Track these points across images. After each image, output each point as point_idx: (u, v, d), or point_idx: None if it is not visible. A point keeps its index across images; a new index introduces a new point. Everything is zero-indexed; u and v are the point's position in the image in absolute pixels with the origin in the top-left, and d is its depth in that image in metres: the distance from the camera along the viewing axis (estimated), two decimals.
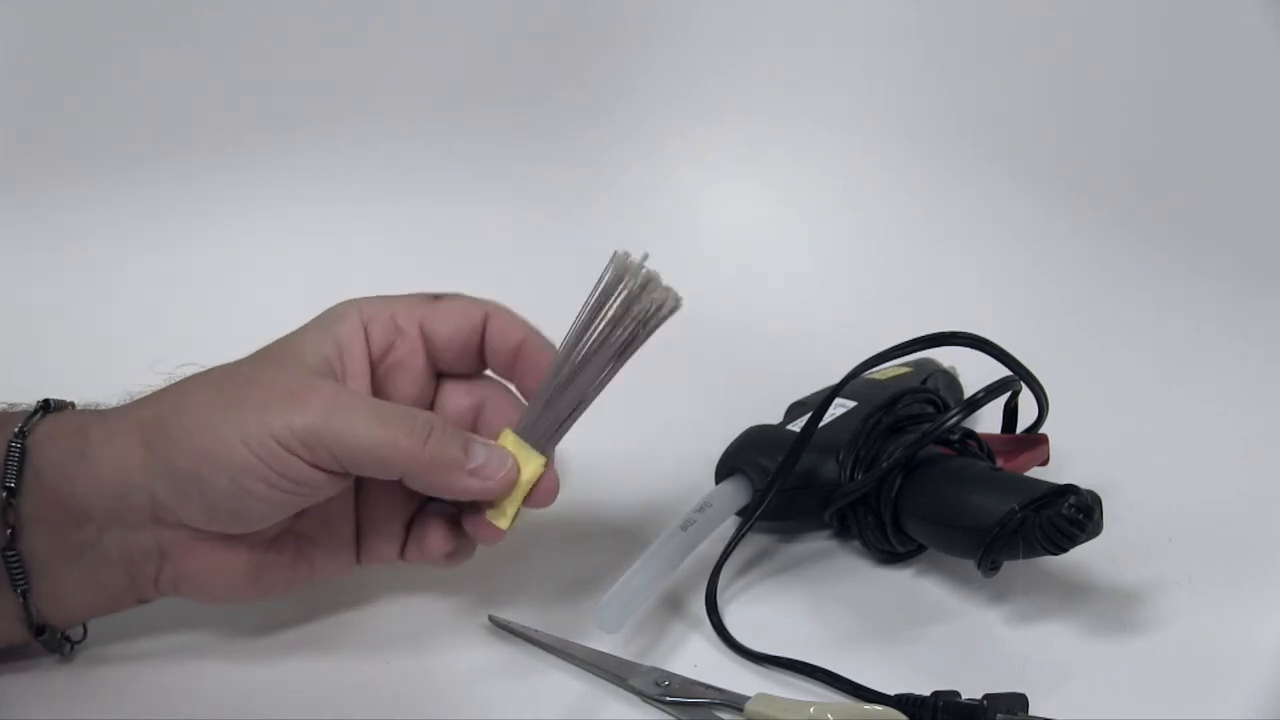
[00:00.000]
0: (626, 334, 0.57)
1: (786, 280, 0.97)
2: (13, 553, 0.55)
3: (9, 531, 0.54)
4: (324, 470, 0.55)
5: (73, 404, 0.58)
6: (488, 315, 0.60)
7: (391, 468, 0.55)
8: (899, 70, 1.02)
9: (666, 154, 1.03)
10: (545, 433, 0.58)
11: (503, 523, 0.58)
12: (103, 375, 0.60)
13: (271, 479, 0.54)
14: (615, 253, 0.57)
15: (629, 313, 0.56)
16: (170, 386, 0.57)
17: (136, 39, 0.97)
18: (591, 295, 0.57)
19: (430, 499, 0.60)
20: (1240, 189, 0.92)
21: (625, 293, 0.56)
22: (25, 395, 0.58)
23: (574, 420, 0.58)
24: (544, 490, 0.59)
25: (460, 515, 0.59)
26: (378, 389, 0.60)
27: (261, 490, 0.54)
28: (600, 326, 0.57)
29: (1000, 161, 0.98)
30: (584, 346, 0.57)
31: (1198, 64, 0.92)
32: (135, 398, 0.58)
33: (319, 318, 0.60)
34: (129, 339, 0.86)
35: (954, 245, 0.98)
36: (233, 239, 0.97)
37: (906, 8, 1.02)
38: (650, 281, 0.56)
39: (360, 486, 0.59)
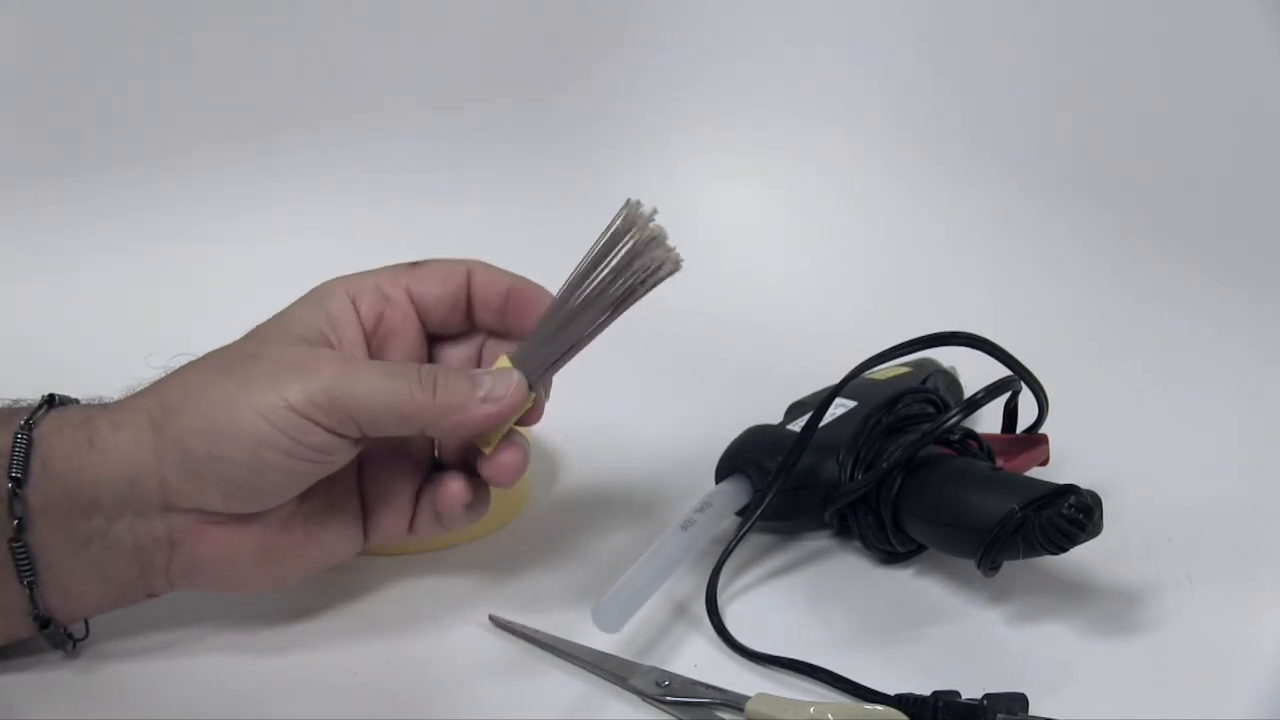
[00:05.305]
0: (625, 286, 0.57)
1: (786, 280, 0.97)
2: (19, 544, 0.55)
3: (16, 522, 0.55)
4: (341, 435, 0.56)
5: (77, 400, 0.58)
6: (470, 272, 0.61)
7: (410, 422, 0.57)
8: (899, 70, 1.02)
9: (666, 154, 1.03)
10: (537, 368, 0.59)
11: (487, 449, 0.59)
12: (104, 375, 0.60)
13: (290, 448, 0.55)
14: (628, 200, 0.57)
15: (630, 265, 0.56)
16: (171, 374, 0.58)
17: (136, 38, 0.97)
18: (599, 240, 0.57)
19: (435, 469, 0.61)
20: (1241, 189, 0.92)
21: (631, 244, 0.56)
22: (25, 395, 0.58)
23: (565, 361, 0.59)
24: (529, 416, 0.60)
25: (476, 466, 0.60)
26: (374, 357, 0.60)
27: (280, 461, 0.55)
28: (603, 274, 0.57)
29: (1000, 161, 0.98)
30: (585, 291, 0.57)
31: (1198, 64, 0.92)
32: (135, 391, 0.58)
33: (305, 296, 0.60)
34: (128, 338, 0.86)
35: (954, 245, 0.98)
36: (231, 238, 0.97)
37: (907, 8, 1.02)
38: (655, 238, 0.56)
39: (363, 462, 0.60)
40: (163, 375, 0.58)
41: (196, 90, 0.98)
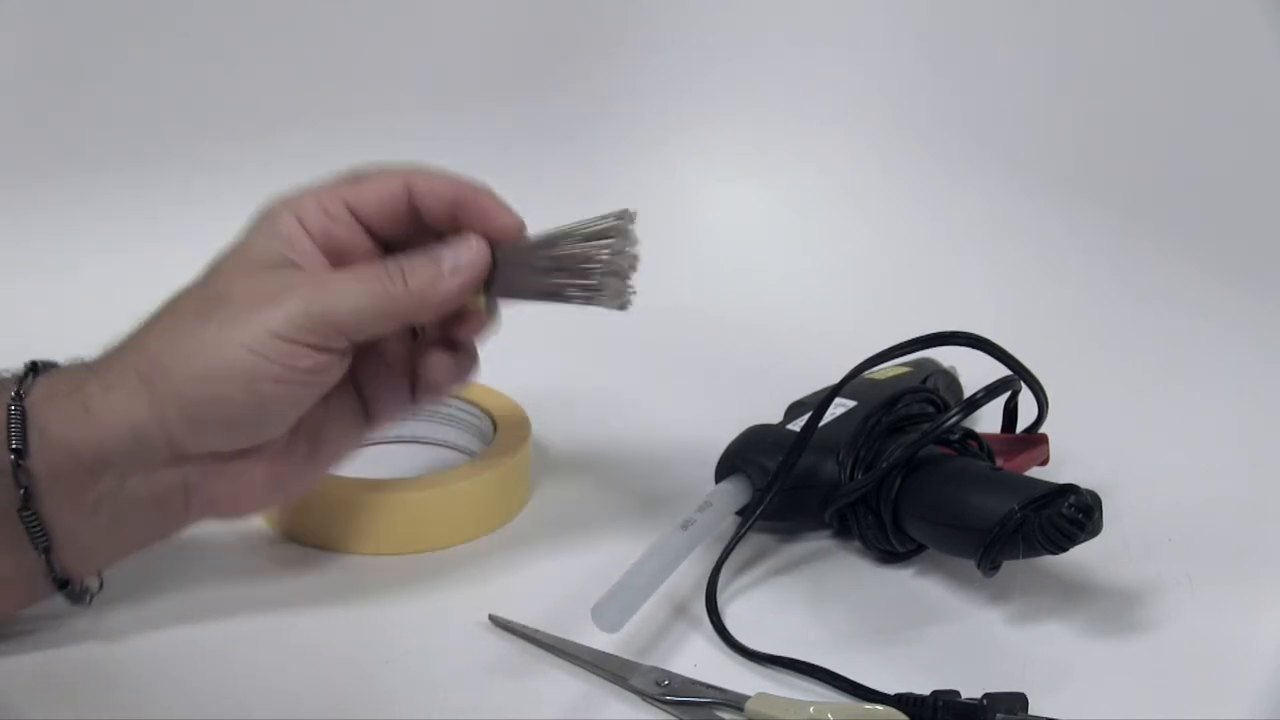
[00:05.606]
0: (570, 288, 0.59)
1: (786, 280, 0.97)
2: (29, 513, 0.55)
3: (22, 492, 0.55)
4: (330, 350, 0.57)
5: (57, 363, 0.58)
6: (409, 183, 0.61)
7: (392, 318, 0.58)
8: (899, 70, 1.02)
9: (666, 154, 1.03)
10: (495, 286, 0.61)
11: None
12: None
13: (285, 375, 0.56)
14: (629, 214, 0.59)
15: (590, 276, 0.59)
16: (146, 325, 0.58)
17: (136, 38, 0.97)
18: (587, 228, 0.59)
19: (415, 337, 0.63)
20: (1241, 189, 0.92)
21: (605, 263, 0.58)
22: None
23: (521, 300, 0.61)
24: (483, 320, 0.62)
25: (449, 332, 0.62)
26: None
27: (278, 390, 0.56)
28: (566, 263, 0.59)
29: (1000, 161, 0.98)
30: (545, 257, 0.60)
31: (1198, 64, 0.92)
32: (114, 346, 0.58)
33: (254, 222, 0.60)
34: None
35: (954, 245, 0.98)
36: (231, 238, 0.97)
37: (907, 8, 1.02)
38: (620, 270, 0.59)
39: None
40: (138, 325, 0.58)
41: (196, 90, 0.98)
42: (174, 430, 0.56)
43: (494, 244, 0.60)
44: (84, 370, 0.57)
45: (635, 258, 0.59)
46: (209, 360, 0.56)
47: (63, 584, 0.57)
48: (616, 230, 0.59)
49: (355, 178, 0.62)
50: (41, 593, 0.58)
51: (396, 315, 0.58)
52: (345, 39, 1.01)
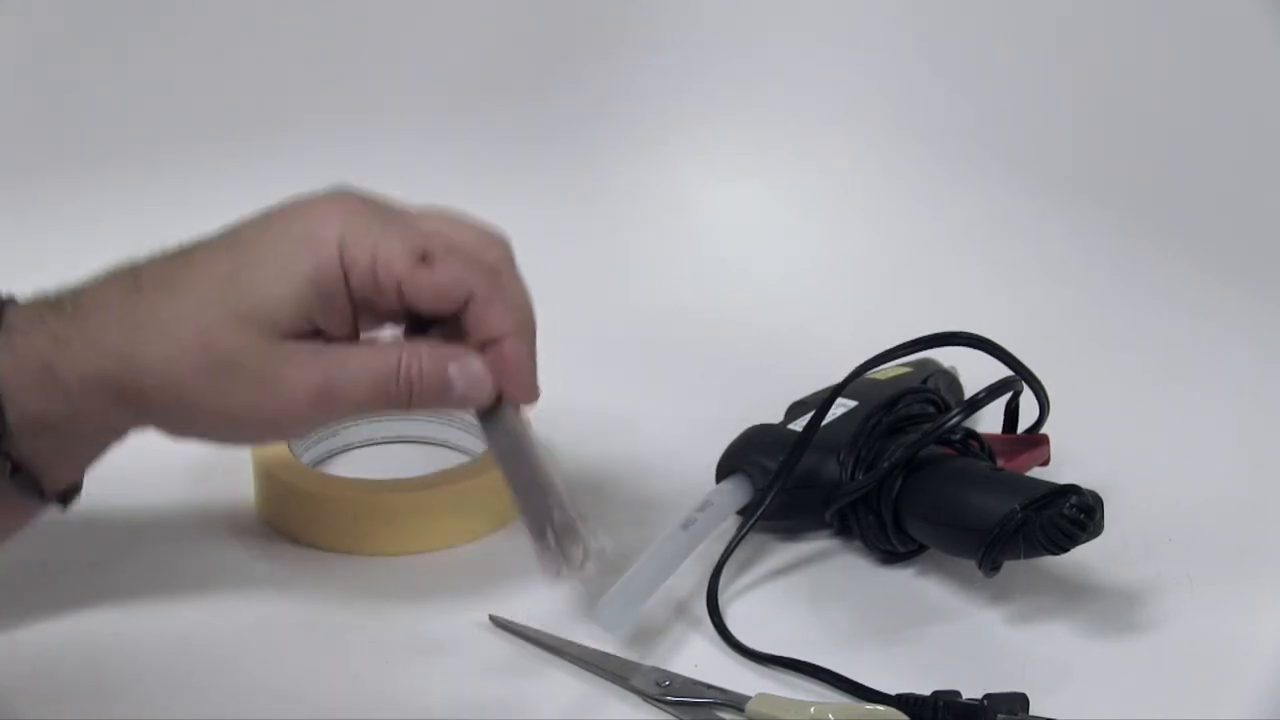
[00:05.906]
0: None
1: (786, 280, 0.97)
2: (19, 474, 0.56)
3: (9, 465, 0.56)
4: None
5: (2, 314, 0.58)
6: (474, 297, 0.58)
7: (386, 412, 0.62)
8: (899, 70, 1.02)
9: (666, 154, 1.03)
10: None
11: None
12: None
13: (300, 428, 0.63)
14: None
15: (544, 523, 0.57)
16: (120, 317, 0.58)
17: (137, 38, 0.97)
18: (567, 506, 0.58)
19: None
20: (1241, 189, 0.91)
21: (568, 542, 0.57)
22: None
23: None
24: None
25: None
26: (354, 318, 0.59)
27: (291, 435, 0.66)
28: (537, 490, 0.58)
29: (1001, 161, 0.98)
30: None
31: (1199, 64, 0.92)
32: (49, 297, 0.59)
33: (296, 240, 0.57)
34: None
35: (954, 245, 0.98)
36: None
37: (907, 8, 1.02)
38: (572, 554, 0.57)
39: None
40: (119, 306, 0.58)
41: (197, 90, 0.98)
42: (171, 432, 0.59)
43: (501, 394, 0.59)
44: (44, 339, 0.57)
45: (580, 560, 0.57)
46: (223, 429, 0.58)
47: (64, 499, 0.59)
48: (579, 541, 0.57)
49: (426, 259, 0.57)
50: (40, 511, 0.59)
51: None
52: (346, 39, 1.01)
